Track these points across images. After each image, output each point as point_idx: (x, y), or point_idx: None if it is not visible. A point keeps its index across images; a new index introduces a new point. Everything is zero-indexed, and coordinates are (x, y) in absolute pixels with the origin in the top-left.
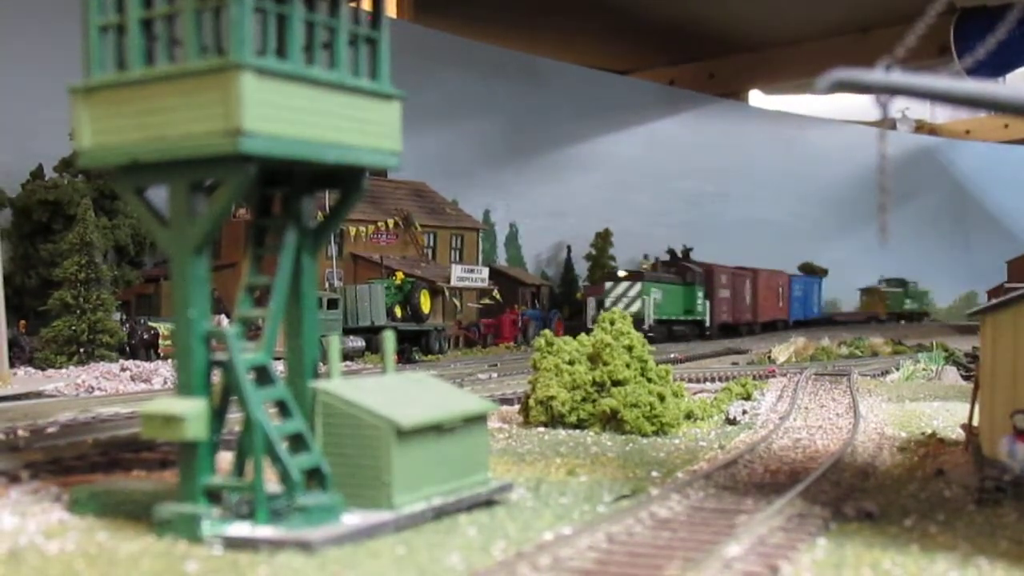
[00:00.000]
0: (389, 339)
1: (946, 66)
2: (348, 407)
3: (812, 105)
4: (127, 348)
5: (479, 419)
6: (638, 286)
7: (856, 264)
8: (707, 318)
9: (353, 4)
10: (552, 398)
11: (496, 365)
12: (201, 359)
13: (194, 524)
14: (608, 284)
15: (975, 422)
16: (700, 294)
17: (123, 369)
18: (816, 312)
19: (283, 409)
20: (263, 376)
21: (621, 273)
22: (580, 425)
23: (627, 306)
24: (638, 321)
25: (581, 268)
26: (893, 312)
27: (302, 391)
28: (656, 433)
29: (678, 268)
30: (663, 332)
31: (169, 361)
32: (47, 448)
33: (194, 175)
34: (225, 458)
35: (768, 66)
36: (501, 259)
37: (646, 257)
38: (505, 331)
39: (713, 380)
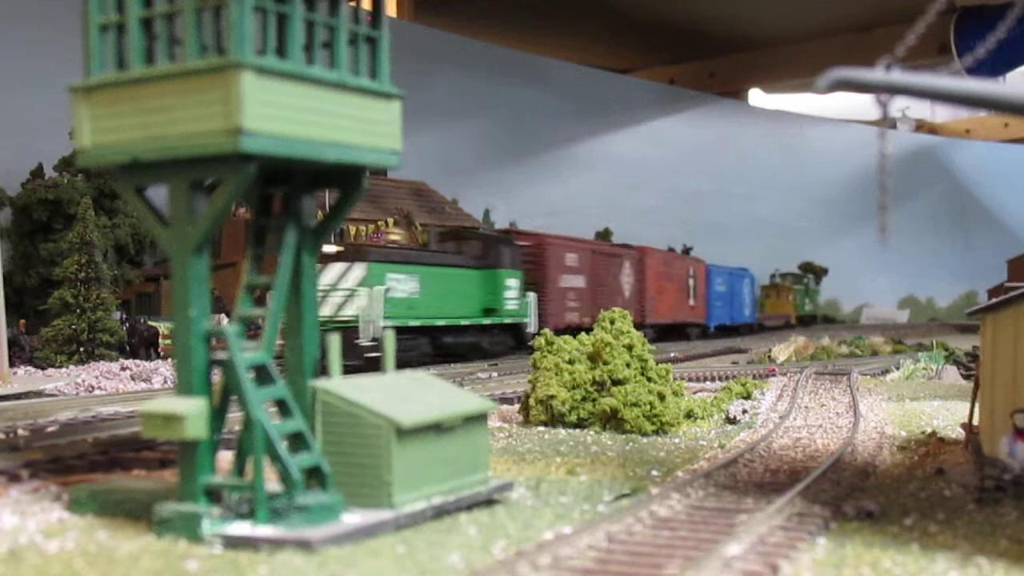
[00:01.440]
0: (389, 338)
1: (946, 65)
2: (348, 406)
3: (812, 104)
4: (127, 347)
5: (479, 418)
6: (359, 269)
7: (856, 263)
8: (532, 319)
9: (353, 3)
10: (552, 397)
11: (496, 364)
12: (201, 358)
13: (194, 523)
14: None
15: (975, 421)
16: (514, 282)
17: (123, 368)
18: (748, 316)
19: (283, 408)
20: (263, 375)
21: (330, 249)
22: (580, 424)
23: (342, 306)
24: (352, 332)
25: None
26: (797, 316)
27: (302, 390)
28: (656, 432)
29: (482, 242)
30: (420, 348)
31: (169, 360)
32: (47, 447)
33: (194, 174)
34: (225, 457)
35: (768, 65)
36: None
37: (395, 223)
38: None
39: (713, 379)
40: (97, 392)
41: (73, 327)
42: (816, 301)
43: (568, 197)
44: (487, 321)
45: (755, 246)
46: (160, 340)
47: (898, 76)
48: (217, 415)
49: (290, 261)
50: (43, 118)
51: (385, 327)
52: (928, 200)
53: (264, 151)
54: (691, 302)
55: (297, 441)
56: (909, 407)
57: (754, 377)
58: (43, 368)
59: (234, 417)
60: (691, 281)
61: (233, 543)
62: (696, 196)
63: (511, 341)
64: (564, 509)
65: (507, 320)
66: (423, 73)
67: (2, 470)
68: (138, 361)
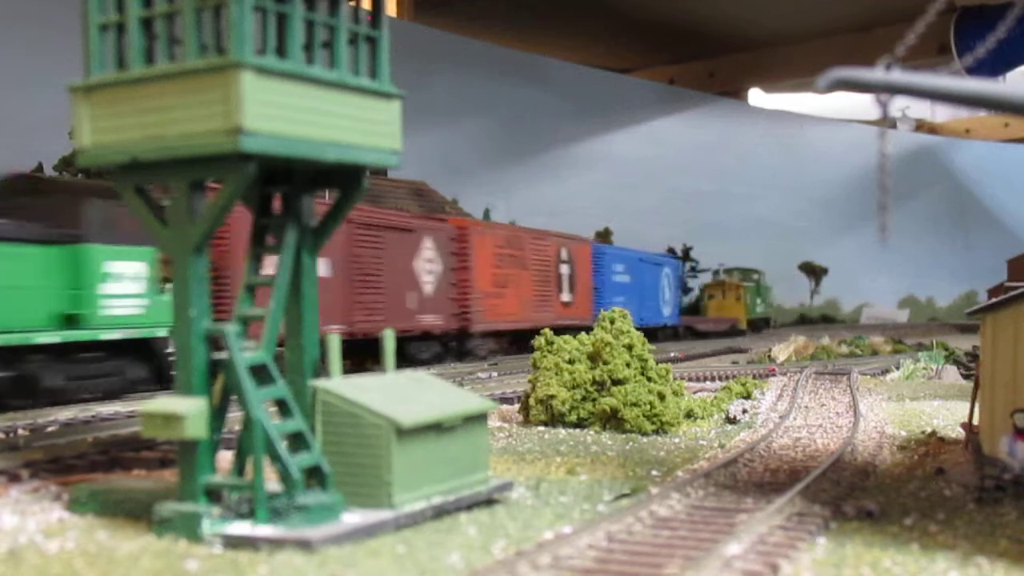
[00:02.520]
0: (389, 338)
1: (946, 65)
2: (348, 406)
3: (812, 104)
4: None
5: (479, 418)
6: None
7: (856, 263)
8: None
9: (353, 3)
10: (552, 397)
11: (496, 364)
12: (201, 358)
13: (194, 523)
14: None
15: (975, 421)
16: (130, 268)
17: None
18: (668, 316)
19: (283, 408)
20: (263, 375)
21: None
22: (580, 424)
23: None
24: None
25: None
26: (748, 320)
27: (302, 390)
28: (656, 432)
29: (64, 198)
30: None
31: None
32: (47, 447)
33: (194, 174)
34: (225, 457)
35: (768, 65)
36: None
37: None
38: None
39: (713, 379)
40: None
41: None
42: (769, 301)
43: (568, 197)
44: (60, 338)
45: (755, 246)
46: None
47: (898, 76)
48: (217, 415)
49: (290, 261)
50: (43, 118)
51: None
52: (928, 200)
53: (264, 151)
54: (565, 297)
55: (297, 441)
56: (909, 407)
57: (754, 377)
58: None
59: (234, 417)
60: (564, 268)
61: (233, 543)
62: (696, 196)
63: (134, 371)
64: (564, 509)
65: (108, 335)
66: (423, 73)
67: (2, 470)
68: None
